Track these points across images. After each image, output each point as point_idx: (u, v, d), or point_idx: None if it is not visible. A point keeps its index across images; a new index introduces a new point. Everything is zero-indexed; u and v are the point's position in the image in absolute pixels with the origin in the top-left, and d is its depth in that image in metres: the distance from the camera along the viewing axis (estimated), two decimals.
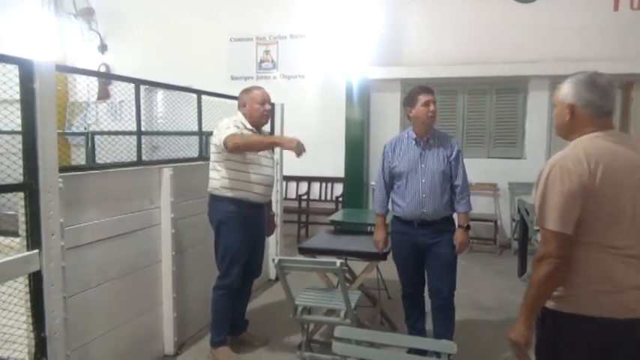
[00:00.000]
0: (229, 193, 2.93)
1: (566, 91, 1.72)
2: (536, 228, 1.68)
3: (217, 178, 2.97)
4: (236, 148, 2.81)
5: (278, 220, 4.62)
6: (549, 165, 1.59)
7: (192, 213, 3.35)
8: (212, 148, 3.02)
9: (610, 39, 5.84)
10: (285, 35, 6.97)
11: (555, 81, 5.89)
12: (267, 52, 7.07)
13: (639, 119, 5.98)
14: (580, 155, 1.56)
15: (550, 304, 1.62)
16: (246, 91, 3.08)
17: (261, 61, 7.11)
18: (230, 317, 3.12)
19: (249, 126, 3.00)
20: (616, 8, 5.88)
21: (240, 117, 3.03)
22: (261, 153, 3.00)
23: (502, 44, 6.13)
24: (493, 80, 6.25)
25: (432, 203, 2.82)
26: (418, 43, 6.43)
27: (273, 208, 3.81)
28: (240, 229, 2.96)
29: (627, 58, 5.74)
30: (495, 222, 6.01)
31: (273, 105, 4.53)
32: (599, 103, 1.67)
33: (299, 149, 2.81)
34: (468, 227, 2.87)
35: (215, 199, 3.00)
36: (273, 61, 7.06)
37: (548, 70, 5.74)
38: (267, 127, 4.14)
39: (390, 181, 2.96)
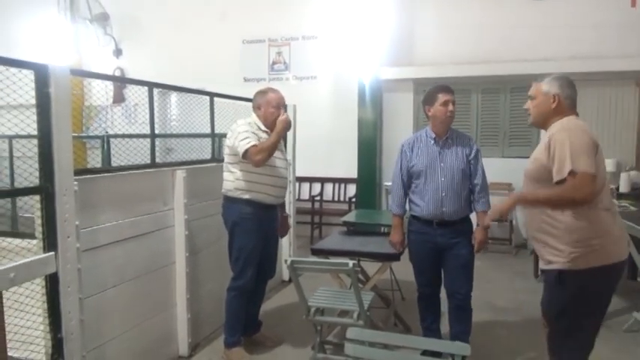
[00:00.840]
0: (243, 195, 2.95)
1: (551, 85, 2.18)
2: (557, 179, 1.95)
3: (231, 179, 2.98)
4: (262, 163, 2.85)
5: (291, 221, 4.63)
6: (564, 129, 2.01)
7: (206, 214, 3.37)
8: (226, 150, 3.03)
9: (626, 36, 5.72)
10: (297, 37, 6.98)
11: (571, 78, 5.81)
12: (279, 53, 7.08)
13: None
14: (584, 125, 2.04)
15: (567, 266, 1.99)
16: (262, 93, 3.08)
17: (274, 63, 7.12)
18: (244, 318, 3.12)
19: (263, 127, 3.01)
20: (633, 4, 5.76)
21: (254, 118, 3.04)
22: (276, 155, 3.00)
23: (514, 42, 6.05)
24: (507, 79, 6.18)
25: (452, 202, 2.80)
26: (430, 43, 6.38)
27: (287, 210, 3.81)
28: (254, 231, 2.97)
29: None
30: (511, 222, 5.94)
31: (286, 107, 4.57)
32: (574, 97, 2.18)
33: (286, 124, 2.96)
34: (487, 226, 2.83)
35: (229, 201, 3.01)
36: (285, 62, 7.07)
37: (563, 67, 5.59)
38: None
39: (408, 180, 2.94)
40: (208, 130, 3.69)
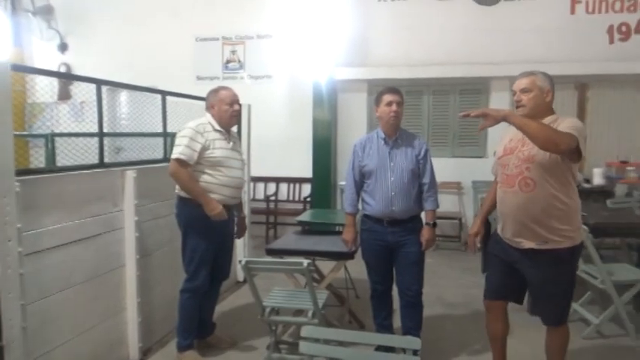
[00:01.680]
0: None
1: (545, 80, 2.38)
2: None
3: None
4: (171, 176, 2.83)
5: (247, 221, 4.59)
6: (576, 121, 2.28)
7: (157, 215, 3.30)
8: None
9: (567, 42, 6.06)
10: (251, 35, 6.93)
11: (514, 82, 6.07)
12: (233, 52, 7.01)
13: (594, 117, 6.24)
14: None
15: (573, 243, 2.29)
16: (214, 92, 3.04)
17: (228, 62, 7.04)
18: (197, 321, 3.08)
19: (217, 127, 2.97)
20: (572, 12, 6.11)
21: (209, 118, 2.99)
22: (228, 154, 2.98)
23: (466, 46, 6.27)
24: (457, 81, 6.39)
25: (401, 201, 2.86)
26: (385, 45, 6.50)
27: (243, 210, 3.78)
28: (207, 232, 2.93)
29: (583, 60, 5.97)
30: (460, 219, 6.15)
31: (240, 106, 4.53)
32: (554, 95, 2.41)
33: (216, 218, 2.87)
34: (434, 224, 2.93)
35: (182, 201, 2.96)
36: (239, 61, 7.00)
37: (509, 71, 5.88)
38: (234, 128, 4.12)
39: (360, 179, 2.99)
40: (160, 130, 3.60)
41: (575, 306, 3.73)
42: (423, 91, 6.58)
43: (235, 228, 3.28)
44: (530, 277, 2.41)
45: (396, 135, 2.94)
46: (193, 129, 2.87)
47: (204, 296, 3.05)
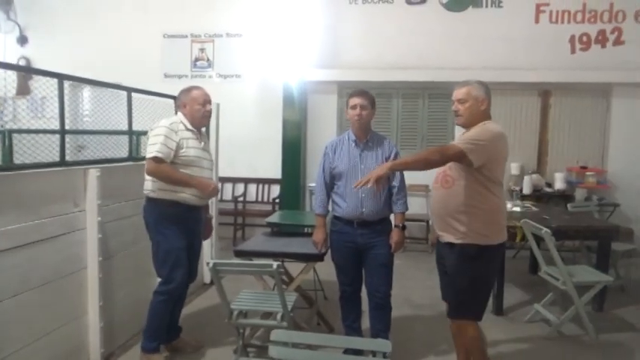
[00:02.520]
0: (167, 196, 2.86)
1: (480, 89, 2.47)
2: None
3: (153, 179, 2.87)
4: (151, 174, 2.81)
5: (214, 222, 4.52)
6: (490, 128, 2.39)
7: (122, 216, 3.20)
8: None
9: (531, 50, 6.25)
10: (221, 33, 6.85)
11: None
12: (202, 50, 6.90)
13: (556, 124, 6.45)
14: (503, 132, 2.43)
15: (485, 242, 2.38)
16: (186, 91, 3.01)
17: (197, 60, 6.93)
18: (166, 325, 3.02)
19: (189, 127, 2.94)
20: (537, 21, 6.30)
21: (180, 117, 2.96)
22: (200, 154, 2.95)
23: (436, 51, 6.37)
24: (426, 85, 6.49)
25: (371, 203, 2.87)
26: (356, 47, 6.53)
27: (210, 211, 3.72)
28: (178, 232, 2.89)
29: (546, 68, 6.17)
30: (427, 222, 6.24)
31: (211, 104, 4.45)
32: (491, 100, 2.51)
33: (210, 195, 2.96)
34: (404, 227, 2.95)
35: (151, 202, 2.90)
36: (208, 59, 6.90)
37: (477, 77, 5.92)
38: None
39: (330, 181, 3.00)
40: (125, 127, 3.50)
41: (537, 307, 3.84)
42: (393, 95, 6.65)
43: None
44: (446, 271, 2.56)
45: (366, 137, 2.95)
46: (168, 127, 2.83)
47: (178, 299, 2.99)
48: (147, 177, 2.89)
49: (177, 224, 2.88)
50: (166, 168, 2.79)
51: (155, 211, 2.90)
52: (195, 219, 3.05)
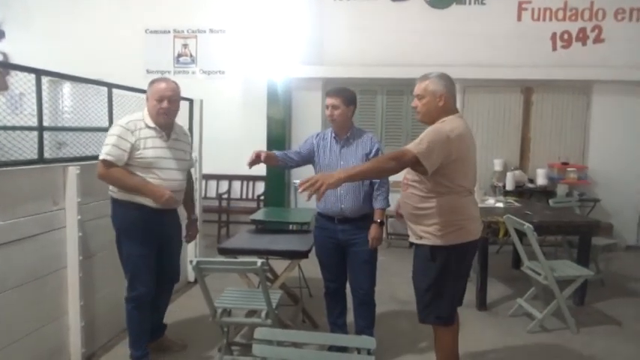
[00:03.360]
0: (129, 198, 2.73)
1: (437, 84, 2.38)
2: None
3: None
4: (100, 179, 2.68)
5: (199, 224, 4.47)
6: (444, 128, 2.26)
7: (102, 214, 3.13)
8: None
9: (514, 47, 6.31)
10: (204, 29, 6.78)
11: (465, 84, 6.27)
12: (185, 45, 6.83)
13: (538, 120, 6.52)
14: (465, 129, 2.34)
15: (441, 243, 2.32)
16: (150, 83, 2.80)
17: (179, 55, 6.85)
18: (148, 329, 2.96)
19: (151, 124, 2.74)
20: (519, 18, 6.36)
21: (144, 113, 2.78)
22: (163, 154, 2.76)
23: (420, 48, 6.39)
24: (410, 82, 6.40)
25: (350, 199, 2.88)
26: (340, 44, 6.52)
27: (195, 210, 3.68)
28: (141, 237, 2.76)
29: (528, 65, 6.23)
30: None
31: (190, 101, 4.40)
32: (454, 94, 2.43)
33: (165, 204, 2.73)
34: (382, 223, 2.93)
35: (116, 203, 2.80)
36: (191, 55, 6.83)
37: (460, 73, 6.06)
38: (183, 123, 4.01)
39: (304, 158, 3.02)
40: (106, 124, 3.44)
41: (519, 301, 3.89)
42: (378, 91, 6.65)
43: (185, 231, 3.16)
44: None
45: (346, 134, 2.95)
46: (122, 126, 2.67)
47: (150, 305, 2.89)
48: None
49: (140, 228, 2.75)
50: (117, 173, 2.64)
51: (118, 214, 2.80)
52: (164, 222, 2.88)
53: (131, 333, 2.88)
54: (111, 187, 2.81)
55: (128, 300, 2.84)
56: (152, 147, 2.73)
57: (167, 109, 2.74)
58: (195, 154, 4.43)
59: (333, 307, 3.11)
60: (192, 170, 3.39)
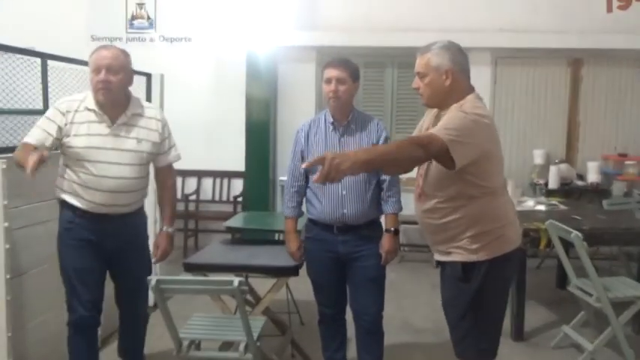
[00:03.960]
0: (64, 196, 2.82)
1: (441, 57, 2.30)
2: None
3: (59, 174, 2.85)
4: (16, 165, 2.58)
5: (157, 226, 4.46)
6: (471, 112, 2.20)
7: (35, 221, 3.14)
8: None
9: (558, 8, 6.33)
10: None
11: (496, 55, 6.28)
12: (140, 5, 6.81)
13: (588, 100, 6.57)
14: (489, 111, 2.30)
15: (471, 258, 2.30)
16: (91, 54, 2.77)
17: (133, 18, 6.84)
18: None
19: (92, 106, 2.75)
20: None
21: (88, 94, 2.81)
22: (106, 144, 2.75)
23: (437, 10, 6.41)
24: None
25: (355, 202, 2.88)
26: (339, 3, 6.54)
27: (150, 212, 3.68)
28: (77, 246, 2.80)
29: (577, 31, 6.25)
30: None
31: (148, 75, 4.39)
32: (467, 67, 2.35)
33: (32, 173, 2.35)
34: (396, 232, 2.96)
35: (59, 204, 2.90)
36: (149, 18, 6.82)
37: (490, 41, 6.10)
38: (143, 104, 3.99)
39: (305, 174, 2.98)
40: (40, 106, 3.43)
41: (565, 329, 3.92)
42: (386, 63, 6.66)
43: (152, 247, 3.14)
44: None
45: (347, 119, 2.95)
46: (55, 108, 2.76)
47: (92, 334, 2.92)
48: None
49: (74, 235, 2.79)
50: (17, 152, 2.62)
51: (59, 216, 2.88)
52: (109, 231, 2.84)
53: None
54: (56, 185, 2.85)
55: (68, 324, 2.88)
56: (85, 134, 2.73)
57: (105, 81, 2.67)
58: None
59: (330, 339, 3.12)
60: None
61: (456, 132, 2.10)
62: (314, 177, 1.96)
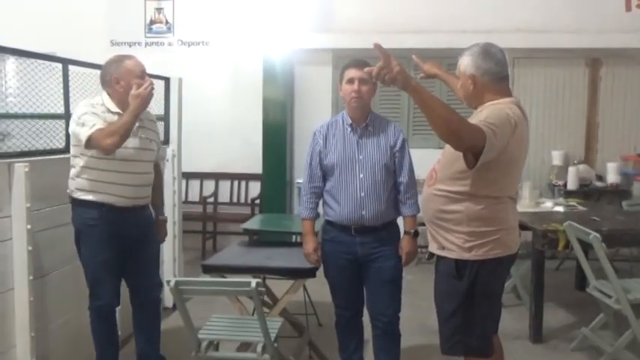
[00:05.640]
0: (86, 196, 2.93)
1: (466, 63, 2.38)
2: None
3: (74, 176, 2.96)
4: (114, 148, 2.77)
5: (176, 229, 4.52)
6: (505, 109, 2.25)
7: (58, 223, 3.19)
8: (72, 140, 2.97)
9: (576, 7, 6.26)
10: None
11: (513, 55, 6.24)
12: (159, 10, 6.88)
13: (607, 101, 6.50)
14: (523, 120, 2.32)
15: (463, 255, 2.35)
16: (116, 62, 2.96)
17: (152, 22, 6.90)
18: (114, 349, 3.12)
19: (114, 109, 2.93)
20: None
21: (104, 98, 2.95)
22: (134, 144, 2.97)
23: (454, 10, 6.38)
24: (444, 53, 6.46)
25: (373, 204, 2.88)
26: (354, 5, 6.53)
27: (170, 214, 3.74)
28: (102, 240, 2.95)
29: (596, 30, 6.17)
30: None
31: (166, 80, 4.44)
32: (495, 70, 2.35)
33: (147, 98, 2.91)
34: (416, 234, 2.96)
35: (73, 204, 3.00)
36: (167, 22, 6.88)
37: (507, 42, 5.97)
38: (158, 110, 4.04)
39: (322, 175, 3.00)
40: (61, 110, 3.49)
41: (584, 331, 3.88)
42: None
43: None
44: None
45: (365, 120, 2.95)
46: (88, 106, 2.89)
47: (112, 316, 3.09)
48: (71, 173, 2.97)
49: (101, 230, 2.93)
50: (110, 129, 2.77)
51: (76, 215, 3.00)
52: (131, 222, 3.05)
53: (96, 347, 3.08)
54: (69, 186, 2.96)
55: (90, 309, 3.05)
56: None
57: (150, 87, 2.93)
58: (172, 148, 4.47)
59: (347, 341, 3.12)
60: (167, 163, 3.59)
61: (493, 125, 2.12)
62: (374, 68, 2.12)
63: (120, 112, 2.90)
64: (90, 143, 2.76)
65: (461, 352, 2.48)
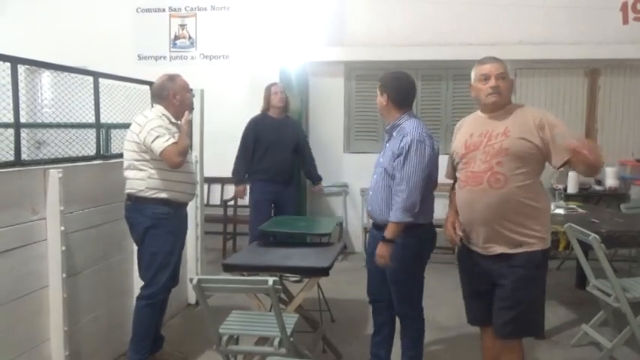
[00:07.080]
0: (159, 194, 3.11)
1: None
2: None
3: (141, 178, 3.09)
4: (181, 165, 3.06)
5: (199, 230, 4.55)
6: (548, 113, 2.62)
7: (89, 224, 3.22)
8: (131, 146, 3.09)
9: (576, 21, 6.21)
10: (204, 6, 6.86)
11: (516, 66, 6.20)
12: (183, 26, 6.92)
13: (606, 108, 6.43)
14: None
15: (544, 245, 2.48)
16: (171, 79, 3.23)
17: (176, 38, 6.95)
18: (152, 334, 3.23)
19: (173, 119, 3.19)
20: None
21: (162, 111, 3.18)
22: None
23: (459, 24, 6.35)
24: (450, 65, 6.46)
25: (374, 203, 2.94)
26: (364, 21, 6.52)
27: (193, 217, 3.80)
28: (172, 232, 3.20)
29: (594, 42, 6.13)
30: None
31: (190, 91, 4.48)
32: None
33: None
34: (389, 240, 2.78)
35: (140, 202, 3.12)
36: (190, 37, 6.92)
37: (511, 53, 6.00)
38: None
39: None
40: (92, 120, 3.52)
41: (585, 328, 3.83)
42: (415, 75, 6.60)
43: None
44: (500, 285, 2.52)
45: (390, 125, 2.96)
46: (159, 120, 3.10)
47: (163, 305, 3.24)
48: (132, 175, 3.12)
49: (171, 224, 3.16)
50: (180, 148, 3.06)
51: (144, 212, 3.12)
52: (185, 216, 3.37)
53: (136, 333, 3.16)
54: (133, 187, 3.12)
55: (141, 297, 3.18)
56: None
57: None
58: (195, 154, 4.50)
59: (378, 326, 3.14)
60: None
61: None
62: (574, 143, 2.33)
63: (176, 122, 3.20)
64: (162, 155, 2.97)
65: (532, 333, 2.69)
